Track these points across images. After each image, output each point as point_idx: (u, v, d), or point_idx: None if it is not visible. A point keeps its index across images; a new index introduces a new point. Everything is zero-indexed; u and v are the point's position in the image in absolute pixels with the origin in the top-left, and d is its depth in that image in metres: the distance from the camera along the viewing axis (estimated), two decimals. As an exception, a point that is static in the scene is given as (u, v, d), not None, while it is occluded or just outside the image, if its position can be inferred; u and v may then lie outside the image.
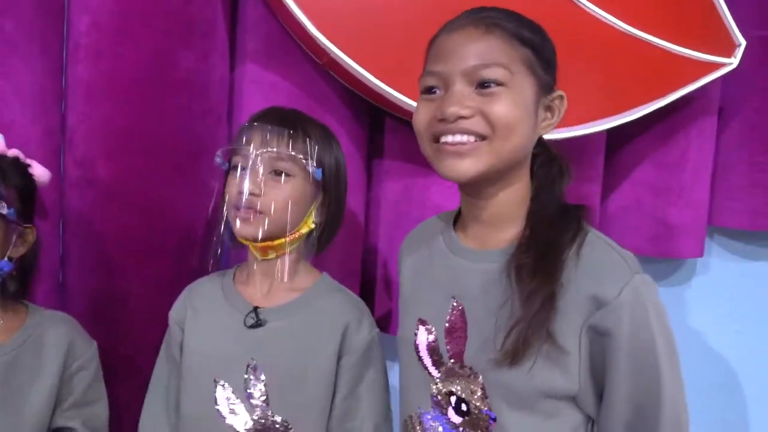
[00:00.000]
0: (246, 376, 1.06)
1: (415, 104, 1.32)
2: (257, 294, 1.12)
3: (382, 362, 1.14)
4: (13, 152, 1.09)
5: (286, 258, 1.12)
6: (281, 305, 1.11)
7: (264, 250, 1.09)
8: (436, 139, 0.90)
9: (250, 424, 1.05)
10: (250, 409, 1.06)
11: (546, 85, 0.90)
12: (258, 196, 1.04)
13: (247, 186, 1.04)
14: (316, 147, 1.10)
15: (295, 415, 1.06)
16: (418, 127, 0.93)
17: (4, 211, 0.98)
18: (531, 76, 0.87)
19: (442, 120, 0.87)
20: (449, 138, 0.87)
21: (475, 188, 0.91)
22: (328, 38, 1.28)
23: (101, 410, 1.15)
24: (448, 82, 0.88)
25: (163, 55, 1.28)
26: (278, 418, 1.06)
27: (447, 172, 0.89)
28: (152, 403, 1.16)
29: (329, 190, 1.13)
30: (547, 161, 0.92)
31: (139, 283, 1.30)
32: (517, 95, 0.86)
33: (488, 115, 0.85)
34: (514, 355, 0.82)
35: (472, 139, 0.86)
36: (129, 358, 1.27)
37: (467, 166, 0.86)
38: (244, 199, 1.04)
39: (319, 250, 1.16)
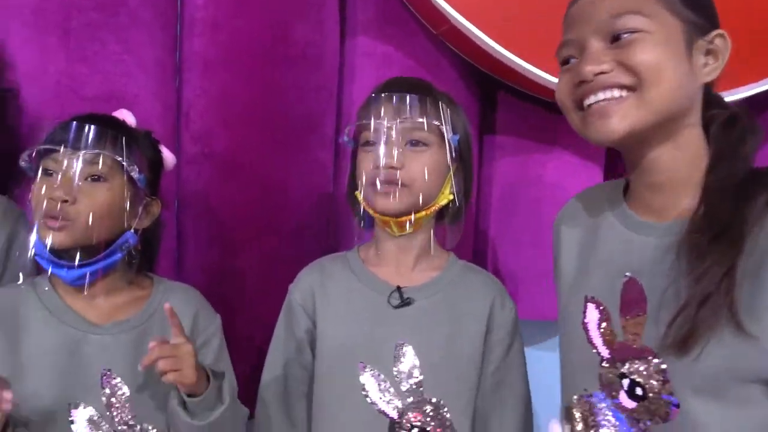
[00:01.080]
0: (395, 358, 1.01)
1: (538, 72, 1.27)
2: (394, 273, 1.07)
3: (521, 335, 1.11)
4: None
5: (429, 237, 1.07)
6: (425, 283, 1.07)
7: (401, 225, 1.04)
8: (580, 105, 0.82)
9: (405, 408, 1.00)
10: (402, 392, 1.01)
11: (698, 26, 0.79)
12: (398, 169, 0.99)
13: (384, 159, 0.98)
14: (450, 113, 1.04)
15: (447, 394, 1.02)
16: (560, 99, 0.85)
17: (135, 174, 0.96)
18: (674, 17, 0.78)
19: (582, 82, 0.80)
20: (592, 98, 0.79)
21: (635, 151, 0.82)
22: (450, 4, 1.21)
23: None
24: (582, 45, 0.81)
25: (279, 27, 1.25)
26: (432, 399, 1.01)
27: (595, 136, 0.80)
28: (269, 387, 1.10)
29: (464, 158, 1.08)
30: (727, 121, 0.82)
31: (255, 259, 1.28)
32: (659, 38, 0.77)
33: (628, 64, 0.76)
34: (680, 343, 0.75)
35: (616, 93, 0.78)
36: (247, 338, 1.25)
37: (614, 125, 0.77)
38: (383, 174, 0.99)
39: (453, 222, 1.10)
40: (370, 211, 1.04)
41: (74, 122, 0.94)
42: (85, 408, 0.94)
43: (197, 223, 1.26)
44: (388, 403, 1.01)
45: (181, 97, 1.26)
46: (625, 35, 0.77)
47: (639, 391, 0.81)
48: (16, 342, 0.94)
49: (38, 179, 0.94)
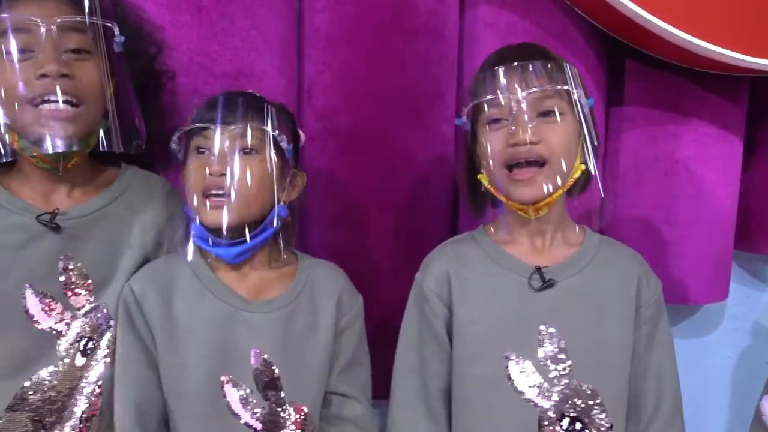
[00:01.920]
0: (541, 344, 0.95)
1: (679, 33, 1.18)
2: (530, 252, 1.01)
3: (666, 313, 1.03)
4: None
5: (564, 211, 1.01)
6: (565, 263, 1.00)
7: (539, 210, 0.97)
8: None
9: (555, 396, 0.94)
10: (552, 379, 0.95)
11: None
12: (536, 143, 0.92)
13: (519, 135, 0.91)
14: (575, 77, 0.96)
15: (600, 380, 0.95)
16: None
17: (284, 144, 0.95)
18: None
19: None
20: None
21: None
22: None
23: (366, 375, 1.06)
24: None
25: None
26: (583, 386, 0.95)
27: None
28: (403, 375, 1.04)
29: (590, 125, 0.98)
30: None
31: (379, 236, 1.26)
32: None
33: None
34: None
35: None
36: (381, 320, 1.22)
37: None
38: (520, 152, 0.92)
39: (580, 192, 1.02)
40: (502, 198, 0.98)
41: (221, 98, 0.94)
42: (234, 384, 0.94)
43: (321, 201, 1.25)
44: (537, 392, 0.95)
45: (303, 74, 1.25)
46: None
47: None
48: (171, 312, 0.96)
49: (191, 158, 0.94)
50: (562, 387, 0.95)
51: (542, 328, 0.96)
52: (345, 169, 1.24)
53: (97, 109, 0.91)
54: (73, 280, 0.95)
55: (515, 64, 0.94)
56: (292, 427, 0.96)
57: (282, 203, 0.97)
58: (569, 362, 0.95)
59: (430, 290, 1.02)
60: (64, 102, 0.86)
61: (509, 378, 0.95)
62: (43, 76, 0.85)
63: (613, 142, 1.41)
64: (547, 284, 0.97)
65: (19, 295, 0.92)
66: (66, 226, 0.94)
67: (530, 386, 0.95)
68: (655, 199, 1.38)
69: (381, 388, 1.09)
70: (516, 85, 0.93)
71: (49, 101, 0.86)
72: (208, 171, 0.91)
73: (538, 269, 0.98)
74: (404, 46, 1.23)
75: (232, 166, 0.91)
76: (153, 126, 1.01)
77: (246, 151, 0.93)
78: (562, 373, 0.95)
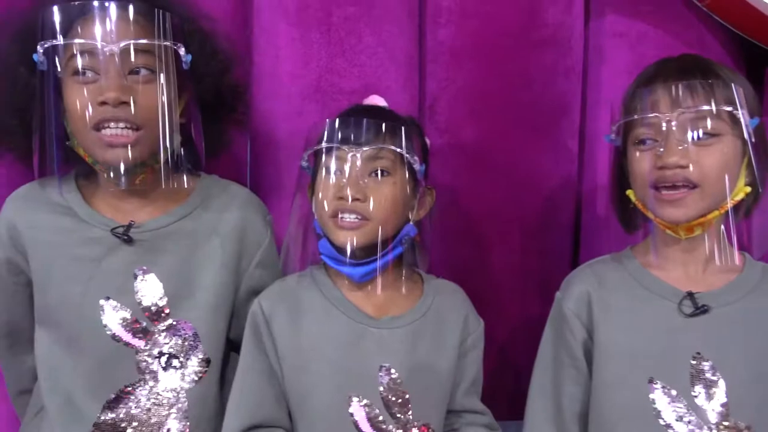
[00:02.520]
0: (692, 375, 0.89)
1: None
2: (683, 277, 0.94)
3: None
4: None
5: (720, 235, 0.92)
6: (722, 288, 0.93)
7: (690, 229, 0.92)
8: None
9: (701, 429, 0.88)
10: (703, 414, 0.88)
11: None
12: (684, 167, 0.86)
13: (669, 158, 0.86)
14: (741, 91, 0.88)
15: (760, 418, 0.88)
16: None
17: (417, 166, 0.94)
18: None
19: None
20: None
21: None
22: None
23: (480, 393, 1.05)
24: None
25: (530, 10, 1.19)
26: (742, 425, 0.87)
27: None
28: (538, 396, 1.01)
29: (758, 144, 0.91)
30: None
31: (502, 253, 1.23)
32: None
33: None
34: None
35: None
36: (501, 339, 1.19)
37: None
38: (668, 175, 0.87)
39: (746, 216, 0.95)
40: (650, 215, 0.92)
41: (353, 117, 0.93)
42: (362, 402, 0.93)
43: (442, 217, 1.23)
44: (687, 427, 0.88)
45: (425, 89, 1.24)
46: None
47: None
48: (299, 329, 0.96)
49: (321, 177, 0.93)
50: (716, 423, 0.88)
51: (694, 358, 0.89)
52: (467, 184, 1.22)
53: (159, 129, 0.88)
54: (149, 294, 0.94)
55: (667, 82, 0.89)
56: None
57: (411, 222, 0.96)
58: (725, 397, 0.88)
59: (569, 310, 0.98)
60: (123, 128, 0.86)
61: (655, 410, 0.89)
62: (104, 103, 0.85)
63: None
64: (700, 310, 0.90)
65: (97, 308, 0.92)
66: (141, 239, 0.93)
67: (679, 420, 0.88)
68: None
69: (503, 409, 1.07)
70: (666, 105, 0.88)
71: (109, 126, 0.86)
72: (340, 192, 0.91)
73: (690, 294, 0.91)
74: (531, 59, 1.20)
75: (366, 190, 0.91)
76: (225, 137, 1.03)
77: (379, 173, 0.92)
78: (717, 409, 0.88)
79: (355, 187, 0.90)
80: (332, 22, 1.14)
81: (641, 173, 0.90)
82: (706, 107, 0.86)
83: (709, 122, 0.87)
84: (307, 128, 0.98)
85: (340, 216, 0.91)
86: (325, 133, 0.93)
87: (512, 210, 1.23)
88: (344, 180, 0.91)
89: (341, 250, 0.93)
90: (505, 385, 1.22)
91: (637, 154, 0.91)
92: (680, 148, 0.86)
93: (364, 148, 0.91)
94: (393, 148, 0.91)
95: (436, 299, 1.00)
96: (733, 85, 0.88)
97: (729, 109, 0.87)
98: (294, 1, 1.13)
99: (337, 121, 0.93)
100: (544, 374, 1.00)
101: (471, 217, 1.23)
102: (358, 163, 0.90)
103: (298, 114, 1.13)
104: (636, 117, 0.90)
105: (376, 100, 1.03)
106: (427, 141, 1.04)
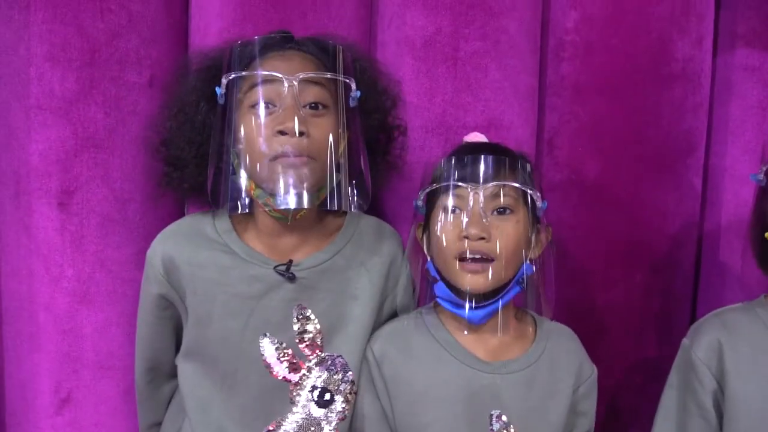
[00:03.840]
0: None
1: None
2: None
3: None
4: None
5: None
6: None
7: None
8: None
9: None
10: None
11: None
12: None
13: None
14: None
15: None
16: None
17: (539, 203, 0.92)
18: None
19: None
20: None
21: None
22: None
23: None
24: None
25: (658, 44, 1.16)
26: None
27: None
28: None
29: None
30: None
31: (621, 294, 1.20)
32: None
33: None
34: None
35: None
36: (615, 390, 1.16)
37: None
38: None
39: None
40: None
41: (471, 155, 0.92)
42: None
43: (561, 255, 1.21)
44: None
45: (543, 123, 1.22)
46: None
47: None
48: (410, 374, 0.95)
49: (440, 217, 0.92)
50: None
51: None
52: (588, 221, 1.19)
53: (329, 164, 0.90)
54: (307, 329, 0.96)
55: None
56: None
57: (528, 261, 0.94)
58: None
59: (698, 359, 0.95)
60: (297, 156, 0.88)
61: None
62: (281, 132, 0.87)
63: None
64: None
65: (256, 344, 0.94)
66: (300, 276, 0.95)
67: None
68: None
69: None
70: None
71: (284, 155, 0.88)
72: (464, 233, 0.89)
73: None
74: (659, 94, 1.17)
75: (489, 228, 0.89)
76: (381, 179, 1.03)
77: (501, 211, 0.91)
78: None
79: (479, 225, 0.89)
80: (459, 57, 1.13)
81: None
82: None
83: None
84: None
85: (463, 257, 0.90)
86: (443, 171, 0.92)
87: (632, 248, 1.20)
88: (466, 219, 0.89)
89: (460, 293, 0.91)
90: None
91: None
92: None
93: (487, 185, 0.89)
94: (516, 185, 0.90)
95: (549, 343, 0.98)
96: None
97: None
98: (420, 35, 1.13)
99: (454, 158, 0.92)
100: (668, 423, 0.98)
101: (590, 255, 1.20)
102: (481, 200, 0.89)
103: (421, 148, 1.13)
104: None
105: (479, 137, 1.01)
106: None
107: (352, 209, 0.94)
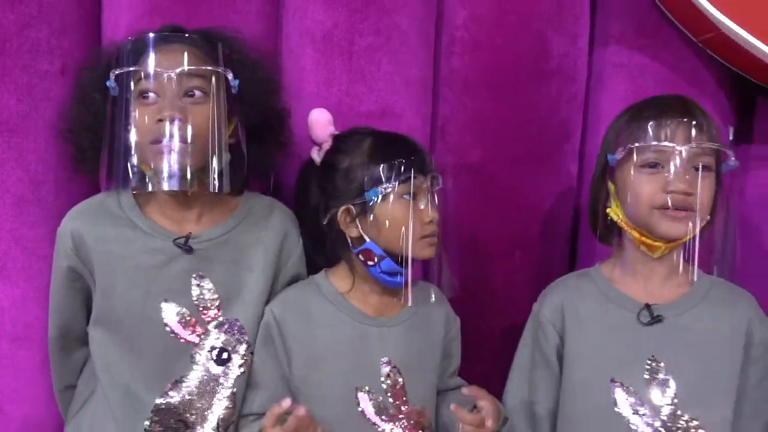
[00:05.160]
0: (648, 375, 1.02)
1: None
2: (642, 291, 1.07)
3: None
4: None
5: (680, 256, 1.05)
6: (675, 300, 1.06)
7: (670, 248, 1.03)
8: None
9: (657, 423, 1.01)
10: (656, 408, 1.01)
11: None
12: (689, 195, 0.98)
13: (678, 185, 0.98)
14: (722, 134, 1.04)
15: (703, 411, 1.01)
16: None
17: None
18: None
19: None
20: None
21: None
22: (722, 12, 1.17)
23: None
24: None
25: (538, 42, 1.28)
26: (686, 416, 1.01)
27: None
28: (515, 395, 1.14)
29: (725, 182, 1.05)
30: None
31: (505, 265, 1.33)
32: None
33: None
34: None
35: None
36: (499, 347, 1.30)
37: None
38: (674, 199, 0.98)
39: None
40: (634, 233, 1.03)
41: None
42: (369, 395, 1.05)
43: (448, 232, 1.33)
44: (642, 420, 1.01)
45: (437, 112, 1.34)
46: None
47: None
48: (308, 333, 1.07)
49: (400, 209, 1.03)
50: (667, 416, 1.01)
51: (649, 361, 1.02)
52: (473, 202, 1.32)
53: (208, 147, 0.98)
54: (205, 296, 1.06)
55: (679, 119, 1.00)
56: (417, 425, 1.07)
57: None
58: (674, 393, 1.01)
59: (545, 318, 1.12)
60: (177, 142, 0.96)
61: (616, 406, 1.02)
62: (160, 120, 0.96)
63: (740, 179, 1.41)
64: (655, 320, 1.03)
65: (159, 309, 1.03)
66: (197, 249, 1.05)
67: (635, 414, 1.01)
68: (783, 236, 1.37)
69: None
70: (680, 138, 0.99)
71: (163, 141, 0.96)
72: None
73: (647, 306, 1.04)
74: (538, 88, 1.30)
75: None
76: (272, 159, 1.14)
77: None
78: (668, 404, 1.01)
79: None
80: (354, 51, 1.23)
81: (645, 194, 1.00)
82: (709, 144, 0.99)
83: (707, 158, 1.00)
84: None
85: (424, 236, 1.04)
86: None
87: (514, 226, 1.33)
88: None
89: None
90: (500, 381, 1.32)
91: (642, 176, 1.01)
92: (687, 177, 0.98)
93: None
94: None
95: (422, 301, 1.13)
96: (716, 127, 1.03)
97: (723, 149, 1.01)
98: (320, 28, 1.23)
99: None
100: (520, 373, 1.14)
101: (476, 233, 1.32)
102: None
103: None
104: (653, 144, 0.99)
105: (321, 116, 1.12)
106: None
107: (225, 190, 1.02)
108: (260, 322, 1.09)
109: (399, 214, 1.02)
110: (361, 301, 1.09)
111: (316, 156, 1.13)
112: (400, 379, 1.07)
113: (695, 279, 1.06)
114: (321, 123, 1.13)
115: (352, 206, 1.05)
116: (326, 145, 1.12)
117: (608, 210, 1.07)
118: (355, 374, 1.06)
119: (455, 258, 1.32)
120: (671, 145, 0.98)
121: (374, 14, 1.23)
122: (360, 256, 1.06)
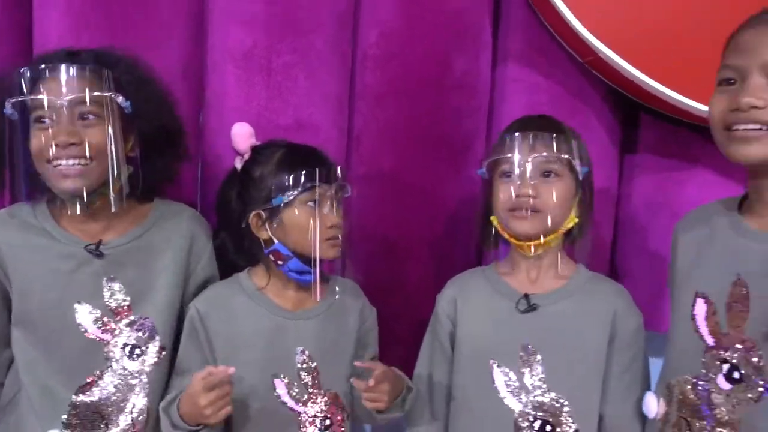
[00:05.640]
0: (521, 358, 1.16)
1: (684, 99, 1.35)
2: (525, 282, 1.22)
3: (644, 346, 1.21)
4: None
5: (558, 252, 1.21)
6: (551, 292, 1.20)
7: (534, 248, 1.18)
8: (728, 128, 0.95)
9: (530, 403, 1.15)
10: (527, 387, 1.16)
11: None
12: (534, 197, 1.13)
13: (521, 189, 1.13)
14: (577, 146, 1.17)
15: (569, 393, 1.15)
16: (712, 116, 0.99)
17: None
18: None
19: (736, 110, 0.93)
20: (741, 126, 0.94)
21: (760, 173, 0.97)
22: (597, 37, 1.32)
23: None
24: (744, 74, 0.93)
25: (442, 59, 1.41)
26: (553, 395, 1.15)
27: (734, 155, 0.96)
28: (420, 370, 1.29)
29: (586, 186, 1.20)
30: None
31: (416, 264, 1.46)
32: None
33: None
34: None
35: (761, 127, 0.91)
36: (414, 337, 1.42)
37: (755, 151, 0.93)
38: (520, 201, 1.13)
39: (577, 244, 1.23)
40: (506, 235, 1.19)
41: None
42: (284, 381, 1.17)
43: (366, 232, 1.45)
44: (515, 397, 1.16)
45: (353, 124, 1.45)
46: None
47: (736, 374, 0.97)
48: (230, 326, 1.18)
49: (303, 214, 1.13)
50: (537, 395, 1.15)
51: (524, 344, 1.16)
52: (388, 206, 1.44)
53: (106, 164, 1.07)
54: (116, 297, 1.15)
55: (524, 133, 1.16)
56: (331, 409, 1.20)
57: None
58: (544, 376, 1.15)
59: (442, 309, 1.27)
60: (73, 164, 1.05)
61: (493, 384, 1.17)
62: (56, 144, 1.05)
63: (626, 187, 1.57)
64: (531, 308, 1.17)
65: (72, 311, 1.13)
66: (108, 253, 1.14)
67: (509, 392, 1.17)
68: (663, 237, 1.53)
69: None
70: (526, 150, 1.15)
71: (60, 163, 1.05)
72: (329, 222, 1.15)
73: (526, 296, 1.19)
74: (442, 100, 1.42)
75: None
76: (171, 169, 1.22)
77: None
78: (537, 383, 1.16)
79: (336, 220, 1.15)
80: (272, 68, 1.34)
81: (502, 199, 1.17)
82: (552, 154, 1.14)
83: (554, 165, 1.15)
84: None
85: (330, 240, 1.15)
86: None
87: (424, 227, 1.45)
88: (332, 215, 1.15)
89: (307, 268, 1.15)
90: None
91: (501, 185, 1.18)
92: (532, 182, 1.14)
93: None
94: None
95: (339, 296, 1.25)
96: (571, 139, 1.17)
97: (567, 157, 1.15)
98: (240, 47, 1.33)
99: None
100: (424, 355, 1.29)
101: (388, 234, 1.45)
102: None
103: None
104: (503, 157, 1.16)
105: (242, 129, 1.24)
106: None
107: (124, 204, 1.12)
108: (171, 319, 1.19)
109: (302, 219, 1.14)
110: (278, 296, 1.21)
111: (239, 165, 1.24)
112: (314, 366, 1.18)
113: (570, 273, 1.21)
114: (242, 135, 1.24)
115: (262, 211, 1.16)
116: (247, 156, 1.23)
117: (492, 217, 1.21)
118: (272, 363, 1.17)
119: (370, 256, 1.46)
120: (509, 156, 1.15)
121: (291, 34, 1.34)
122: (271, 257, 1.18)
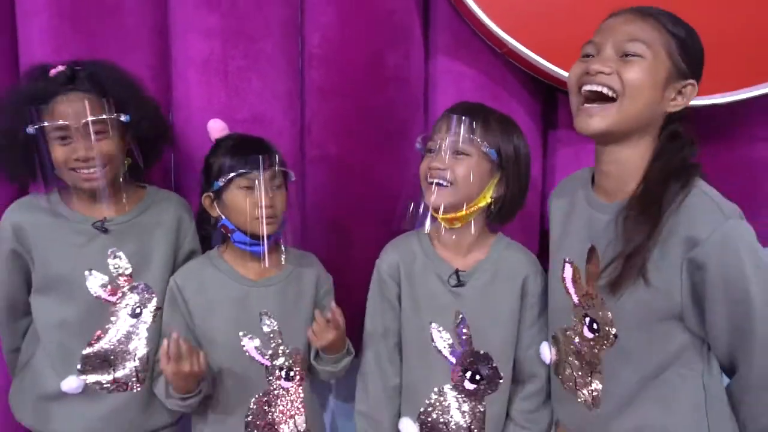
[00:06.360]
0: (453, 320, 1.37)
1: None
2: (453, 256, 1.39)
3: None
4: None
5: (479, 226, 1.39)
6: (474, 267, 1.38)
7: (450, 221, 1.36)
8: (580, 89, 1.13)
9: (461, 356, 1.37)
10: (459, 344, 1.38)
11: (681, 72, 1.10)
12: (444, 170, 1.30)
13: (435, 163, 1.31)
14: (490, 132, 1.33)
15: (493, 347, 1.38)
16: (570, 79, 1.16)
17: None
18: (668, 60, 1.09)
19: (587, 74, 1.11)
20: (587, 87, 1.11)
21: (602, 143, 1.15)
22: (506, 32, 1.53)
23: None
24: (600, 49, 1.12)
25: (376, 56, 1.62)
26: (481, 351, 1.37)
27: (579, 127, 1.14)
28: (373, 336, 1.44)
29: (507, 171, 1.35)
30: (673, 135, 1.13)
31: (361, 237, 1.67)
32: (650, 69, 1.08)
33: (622, 75, 1.08)
34: (610, 285, 1.10)
35: (605, 90, 1.09)
36: (358, 301, 1.62)
37: (596, 122, 1.11)
38: (434, 173, 1.31)
39: (500, 222, 1.42)
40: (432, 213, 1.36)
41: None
42: (251, 339, 1.39)
43: (317, 211, 1.67)
44: (449, 351, 1.38)
45: (304, 116, 1.67)
46: (630, 57, 1.09)
47: (595, 326, 1.18)
48: (203, 295, 1.40)
49: (239, 195, 1.33)
50: (466, 350, 1.37)
51: (455, 310, 1.37)
52: (335, 185, 1.65)
53: (117, 163, 1.36)
54: (120, 265, 1.39)
55: (448, 116, 1.34)
56: (292, 363, 1.41)
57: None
58: (470, 334, 1.37)
59: (385, 272, 1.43)
60: (92, 171, 1.31)
61: (432, 340, 1.38)
62: (77, 159, 1.31)
63: (550, 159, 1.78)
64: (459, 284, 1.37)
65: (83, 278, 1.36)
66: (112, 229, 1.39)
67: (445, 347, 1.38)
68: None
69: (358, 343, 1.50)
70: (444, 130, 1.33)
71: (82, 170, 1.32)
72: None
73: (456, 272, 1.37)
74: (379, 93, 1.63)
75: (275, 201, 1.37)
76: (159, 152, 1.50)
77: (278, 186, 1.37)
78: (465, 339, 1.37)
79: (271, 200, 1.34)
80: (229, 70, 1.55)
81: (422, 171, 1.35)
82: (465, 135, 1.31)
83: (466, 146, 1.31)
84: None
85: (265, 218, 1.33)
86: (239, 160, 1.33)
87: (368, 204, 1.66)
88: (264, 196, 1.32)
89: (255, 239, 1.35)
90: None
91: (424, 159, 1.36)
92: (447, 159, 1.30)
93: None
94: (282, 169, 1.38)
95: (297, 266, 1.46)
96: (486, 126, 1.33)
97: (475, 138, 1.31)
98: (199, 55, 1.55)
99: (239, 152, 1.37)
100: (373, 318, 1.45)
101: (338, 209, 1.66)
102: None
103: (203, 136, 1.53)
104: (430, 135, 1.36)
105: (216, 124, 1.45)
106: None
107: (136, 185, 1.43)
108: (165, 284, 1.43)
109: (236, 200, 1.35)
110: (242, 267, 1.42)
111: None
112: (276, 326, 1.40)
113: (490, 242, 1.41)
114: (216, 129, 1.46)
115: (211, 193, 1.38)
116: None
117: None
118: (239, 323, 1.39)
119: (322, 226, 1.67)
120: (434, 134, 1.34)
121: (243, 42, 1.55)
122: (222, 230, 1.40)
